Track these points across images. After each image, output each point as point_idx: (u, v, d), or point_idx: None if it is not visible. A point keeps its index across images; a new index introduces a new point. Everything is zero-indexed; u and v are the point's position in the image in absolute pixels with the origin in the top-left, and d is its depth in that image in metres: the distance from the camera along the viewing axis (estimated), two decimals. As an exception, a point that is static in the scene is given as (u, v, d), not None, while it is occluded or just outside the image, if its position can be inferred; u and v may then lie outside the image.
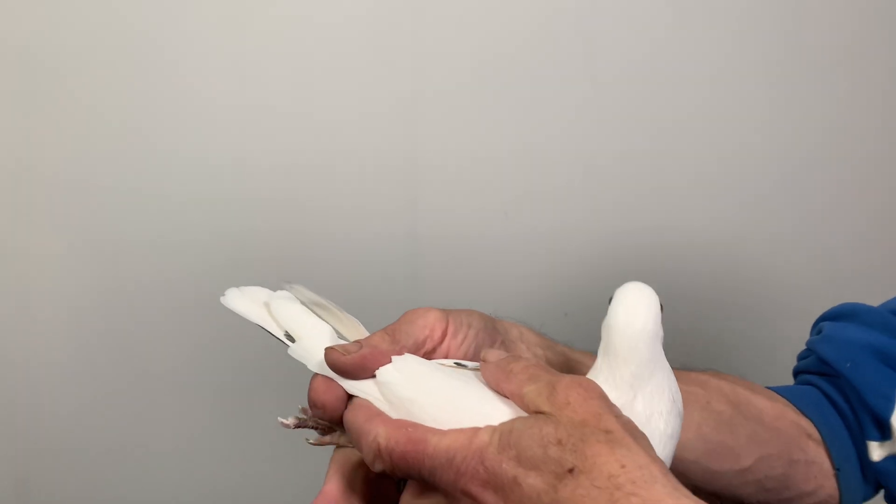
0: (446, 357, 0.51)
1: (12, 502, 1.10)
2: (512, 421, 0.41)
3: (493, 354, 0.46)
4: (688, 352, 1.12)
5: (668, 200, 1.10)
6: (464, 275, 1.10)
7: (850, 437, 0.63)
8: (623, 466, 0.38)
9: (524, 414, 0.42)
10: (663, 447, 0.45)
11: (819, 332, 0.67)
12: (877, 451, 0.62)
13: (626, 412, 0.43)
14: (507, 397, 0.44)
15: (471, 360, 0.51)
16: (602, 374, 0.46)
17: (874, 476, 0.63)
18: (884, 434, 0.61)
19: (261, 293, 0.53)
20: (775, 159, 1.11)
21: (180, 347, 1.08)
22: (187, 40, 1.02)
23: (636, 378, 0.45)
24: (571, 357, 0.57)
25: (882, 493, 0.65)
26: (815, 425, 0.62)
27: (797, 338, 0.73)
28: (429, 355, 0.50)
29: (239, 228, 1.06)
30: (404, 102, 1.05)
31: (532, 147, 1.08)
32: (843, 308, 0.66)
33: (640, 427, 0.43)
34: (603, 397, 0.42)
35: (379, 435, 0.43)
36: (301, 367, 0.51)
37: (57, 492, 1.10)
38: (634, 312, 0.45)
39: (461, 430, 0.42)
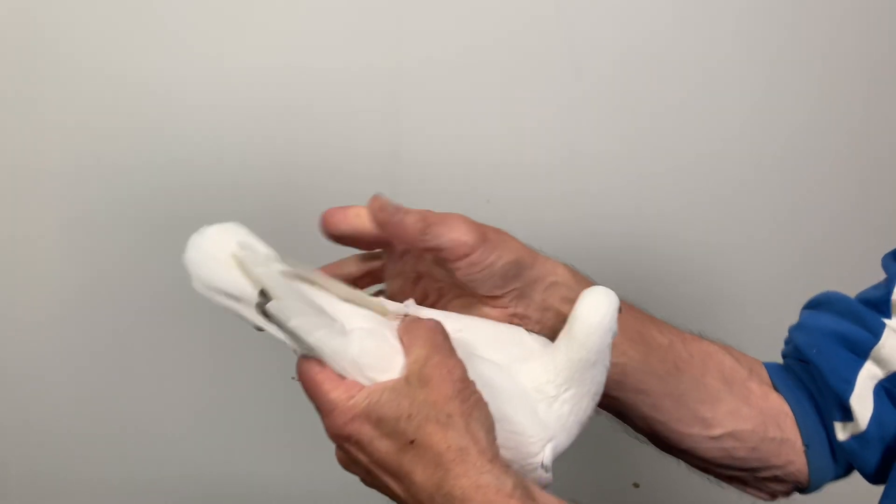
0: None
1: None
2: (382, 390, 0.52)
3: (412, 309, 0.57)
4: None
5: (649, 189, 1.11)
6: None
7: (820, 418, 0.68)
8: (448, 447, 0.50)
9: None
10: (575, 428, 0.57)
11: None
12: (841, 432, 0.67)
13: (557, 397, 0.56)
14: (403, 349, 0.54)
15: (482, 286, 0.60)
16: (559, 353, 0.57)
17: (843, 456, 0.68)
18: (845, 415, 0.66)
19: (228, 243, 0.53)
20: (753, 155, 1.12)
21: (172, 332, 1.08)
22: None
23: (583, 363, 0.56)
24: None
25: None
26: (789, 405, 0.68)
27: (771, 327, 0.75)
28: (447, 263, 0.59)
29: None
30: (386, 94, 1.05)
31: (515, 134, 1.08)
32: (819, 297, 0.71)
33: (559, 412, 0.56)
34: (460, 380, 0.52)
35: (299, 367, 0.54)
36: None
37: (43, 479, 1.11)
38: (597, 308, 0.56)
39: (347, 387, 0.52)
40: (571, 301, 0.58)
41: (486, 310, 0.61)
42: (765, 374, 0.70)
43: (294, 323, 0.51)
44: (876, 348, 0.65)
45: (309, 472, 1.12)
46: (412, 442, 0.51)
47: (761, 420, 0.67)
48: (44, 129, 1.02)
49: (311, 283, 0.55)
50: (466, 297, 0.61)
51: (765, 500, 0.72)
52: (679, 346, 0.67)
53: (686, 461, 0.70)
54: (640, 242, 1.12)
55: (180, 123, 1.04)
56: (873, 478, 0.67)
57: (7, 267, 1.05)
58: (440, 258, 0.59)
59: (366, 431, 0.52)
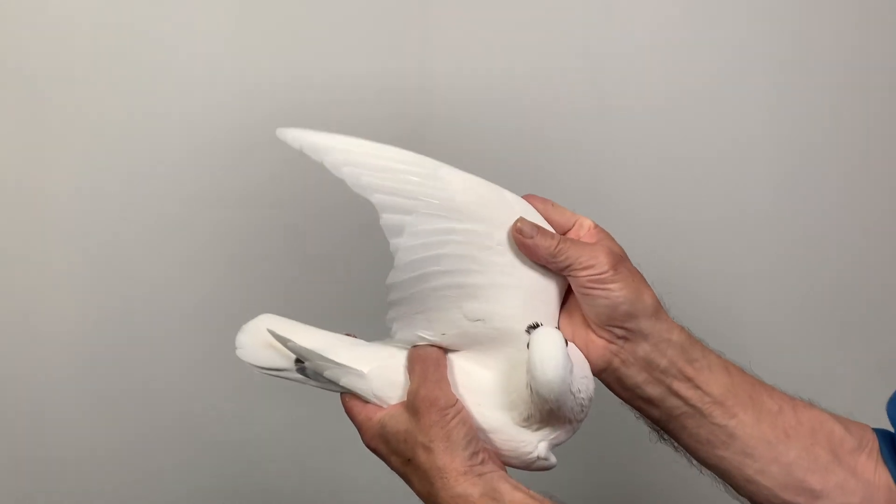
0: None
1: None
2: (390, 416, 0.66)
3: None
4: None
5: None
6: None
7: None
8: (431, 466, 0.62)
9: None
10: (530, 466, 0.65)
11: None
12: None
13: (530, 442, 0.64)
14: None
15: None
16: (532, 401, 0.62)
17: None
18: None
19: (260, 329, 0.70)
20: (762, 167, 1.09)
21: (183, 352, 1.07)
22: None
23: (549, 411, 0.62)
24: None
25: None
26: (891, 474, 0.69)
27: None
28: (573, 275, 0.65)
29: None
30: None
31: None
32: None
33: (530, 452, 0.65)
34: (442, 409, 0.63)
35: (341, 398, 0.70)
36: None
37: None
38: (546, 363, 0.60)
39: (368, 411, 0.67)
40: (678, 366, 0.66)
41: (591, 336, 0.67)
42: (875, 443, 0.70)
43: (327, 374, 0.68)
44: None
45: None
46: (409, 460, 0.64)
47: (868, 494, 0.68)
48: (60, 147, 1.01)
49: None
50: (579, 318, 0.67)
51: None
52: (789, 412, 0.68)
53: None
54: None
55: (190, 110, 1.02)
56: None
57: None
58: (571, 276, 0.65)
59: (381, 447, 0.67)
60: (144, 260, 1.04)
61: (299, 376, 0.70)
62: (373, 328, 0.70)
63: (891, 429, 0.71)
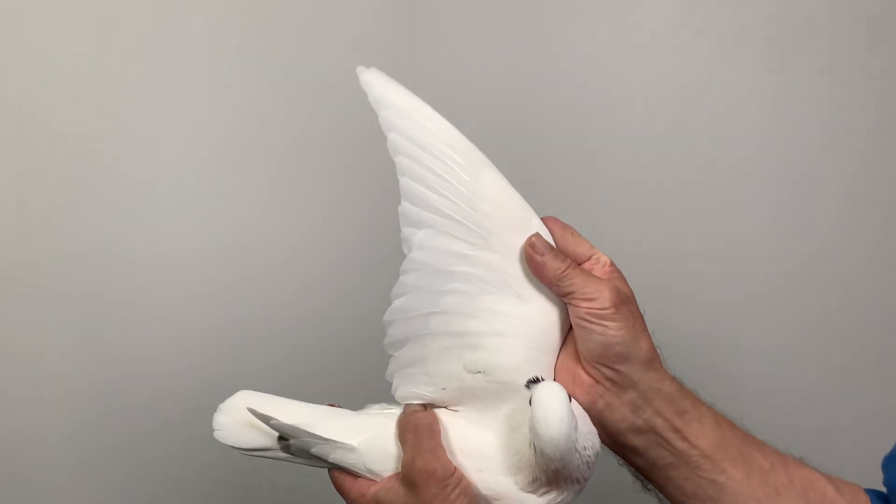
0: None
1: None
2: (386, 489, 0.62)
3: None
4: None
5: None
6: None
7: None
8: None
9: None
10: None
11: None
12: None
13: (545, 494, 0.60)
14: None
15: None
16: (535, 462, 0.59)
17: None
18: None
19: (240, 406, 0.65)
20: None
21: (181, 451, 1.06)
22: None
23: (554, 471, 0.58)
24: None
25: None
26: None
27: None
28: (573, 303, 0.63)
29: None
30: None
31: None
32: None
33: (547, 497, 0.60)
34: (441, 480, 0.60)
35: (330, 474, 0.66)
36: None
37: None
38: (550, 420, 0.56)
39: (359, 486, 0.64)
40: (665, 417, 0.63)
41: (580, 371, 0.64)
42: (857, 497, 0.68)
43: (314, 451, 0.63)
44: None
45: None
46: None
47: None
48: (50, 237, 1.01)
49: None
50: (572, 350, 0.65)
51: None
52: (781, 470, 0.67)
53: None
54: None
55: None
56: None
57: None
58: (572, 304, 0.63)
59: None
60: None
61: (284, 455, 0.65)
62: (356, 396, 0.68)
63: (882, 488, 0.69)
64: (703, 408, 0.66)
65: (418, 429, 0.62)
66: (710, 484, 0.64)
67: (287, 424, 0.64)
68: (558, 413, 0.56)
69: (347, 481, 0.64)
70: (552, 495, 0.60)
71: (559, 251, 0.64)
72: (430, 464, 0.60)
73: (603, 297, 0.62)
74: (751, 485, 0.65)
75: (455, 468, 0.61)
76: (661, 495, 0.68)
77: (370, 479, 0.64)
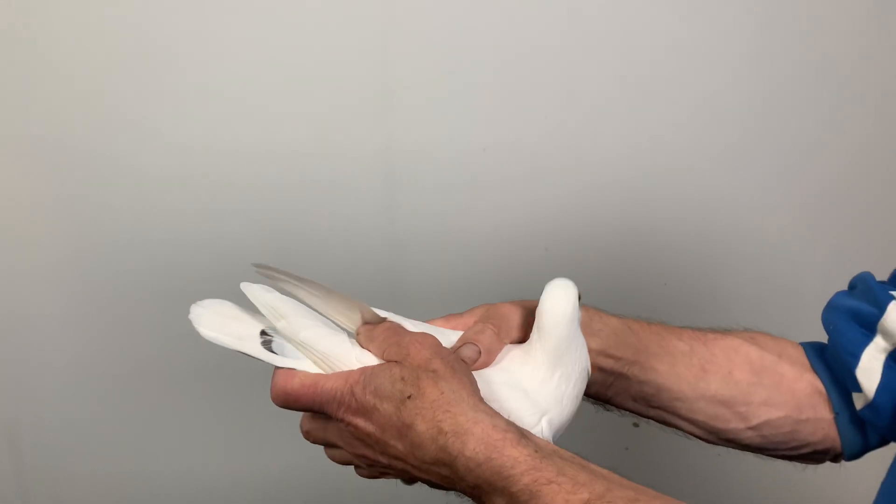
0: None
1: None
2: (373, 366, 0.59)
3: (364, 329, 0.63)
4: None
5: (641, 136, 1.08)
6: (442, 207, 1.08)
7: (843, 390, 0.70)
8: (441, 393, 0.56)
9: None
10: (570, 402, 0.62)
11: None
12: (857, 402, 0.68)
13: (546, 379, 0.61)
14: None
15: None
16: (535, 347, 0.62)
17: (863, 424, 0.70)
18: (858, 386, 0.68)
19: (227, 308, 0.62)
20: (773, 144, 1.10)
21: (172, 341, 1.09)
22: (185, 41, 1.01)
23: (557, 350, 0.61)
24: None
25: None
26: (822, 382, 0.71)
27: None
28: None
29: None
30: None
31: (511, 82, 1.05)
32: (854, 278, 0.72)
33: (547, 390, 0.61)
34: (434, 346, 0.59)
35: (286, 385, 0.60)
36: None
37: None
38: (558, 301, 0.61)
39: (340, 374, 0.59)
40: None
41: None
42: (798, 354, 0.72)
43: (303, 335, 0.60)
44: (881, 322, 0.65)
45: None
46: (409, 397, 0.56)
47: (794, 404, 0.70)
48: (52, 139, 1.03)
49: (297, 281, 0.62)
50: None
51: (814, 464, 0.75)
52: (701, 348, 0.70)
53: (732, 448, 0.73)
54: (636, 184, 1.09)
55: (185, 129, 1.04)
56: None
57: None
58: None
59: (369, 400, 0.57)
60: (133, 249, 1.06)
61: (262, 352, 0.60)
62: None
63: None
64: (612, 319, 0.69)
65: (386, 329, 0.61)
66: (647, 384, 0.68)
67: (285, 299, 0.61)
68: (566, 297, 0.61)
69: (321, 377, 0.59)
70: (556, 376, 0.61)
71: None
72: (419, 335, 0.60)
73: (477, 325, 0.65)
74: (678, 372, 0.69)
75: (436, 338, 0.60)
76: (618, 411, 0.71)
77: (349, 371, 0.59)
